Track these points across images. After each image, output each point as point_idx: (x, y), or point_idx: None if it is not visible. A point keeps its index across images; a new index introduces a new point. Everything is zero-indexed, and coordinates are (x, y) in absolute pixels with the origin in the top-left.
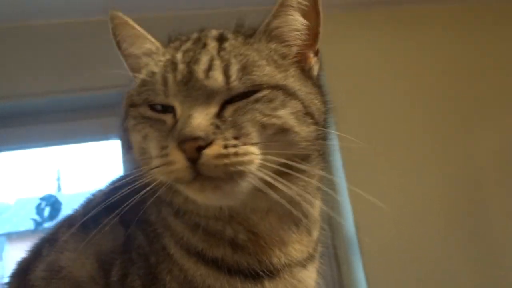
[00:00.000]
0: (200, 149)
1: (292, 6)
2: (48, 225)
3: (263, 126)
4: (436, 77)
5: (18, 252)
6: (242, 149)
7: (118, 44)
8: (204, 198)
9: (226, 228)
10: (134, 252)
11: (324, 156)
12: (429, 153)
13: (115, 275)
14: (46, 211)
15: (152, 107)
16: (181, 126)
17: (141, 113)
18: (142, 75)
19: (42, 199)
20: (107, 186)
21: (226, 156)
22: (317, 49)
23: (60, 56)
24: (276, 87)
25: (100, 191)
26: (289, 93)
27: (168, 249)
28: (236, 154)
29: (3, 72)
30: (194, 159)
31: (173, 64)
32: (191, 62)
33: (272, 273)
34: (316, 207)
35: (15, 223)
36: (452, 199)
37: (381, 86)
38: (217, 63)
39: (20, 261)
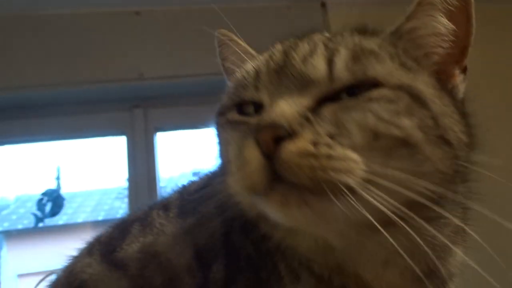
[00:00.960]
0: (279, 140)
1: (433, 5)
2: (48, 221)
3: (376, 135)
4: None
5: (16, 250)
6: (338, 151)
7: (222, 63)
8: (285, 215)
9: (334, 278)
10: (244, 261)
11: (464, 202)
12: None
13: (216, 272)
14: (48, 207)
15: (240, 110)
16: (260, 117)
17: (228, 119)
18: (236, 76)
19: (44, 194)
20: (203, 177)
21: (315, 156)
22: (465, 66)
23: (65, 48)
24: (400, 87)
25: (195, 182)
26: (418, 100)
27: (280, 269)
28: (329, 156)
29: (7, 62)
30: (270, 154)
31: (269, 56)
32: (288, 50)
33: None
34: (454, 259)
35: (14, 221)
36: None
37: None
38: (320, 49)
39: (97, 238)
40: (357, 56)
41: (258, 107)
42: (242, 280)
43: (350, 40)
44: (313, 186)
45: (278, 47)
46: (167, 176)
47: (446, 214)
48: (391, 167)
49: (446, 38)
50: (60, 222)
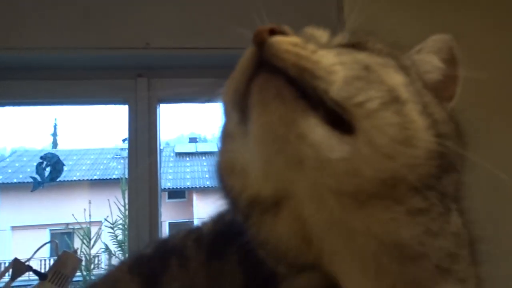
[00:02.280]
0: (273, 33)
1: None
2: (47, 184)
3: (367, 69)
4: None
5: (10, 203)
6: (325, 56)
7: None
8: (261, 105)
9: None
10: None
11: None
12: None
13: None
14: (47, 171)
15: None
16: None
17: None
18: None
19: (43, 158)
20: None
21: (303, 48)
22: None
23: (72, 12)
24: (388, 55)
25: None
26: (403, 69)
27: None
28: (316, 61)
29: (13, 22)
30: (262, 42)
31: None
32: None
33: None
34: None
35: (9, 174)
36: None
37: None
38: None
39: (139, 262)
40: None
41: None
42: None
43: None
44: (295, 73)
45: None
46: (163, 140)
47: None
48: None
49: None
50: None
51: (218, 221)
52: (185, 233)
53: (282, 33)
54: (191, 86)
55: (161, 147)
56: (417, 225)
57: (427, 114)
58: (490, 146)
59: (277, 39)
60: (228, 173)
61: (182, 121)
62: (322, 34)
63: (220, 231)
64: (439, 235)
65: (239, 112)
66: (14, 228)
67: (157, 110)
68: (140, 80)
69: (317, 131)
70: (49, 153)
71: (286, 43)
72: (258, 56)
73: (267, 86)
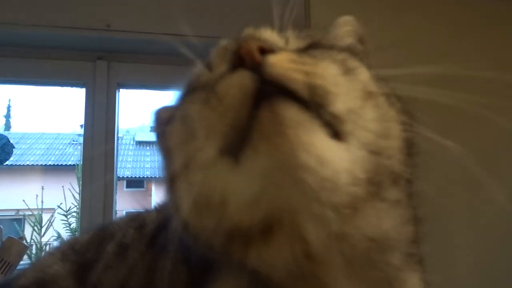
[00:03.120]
0: (264, 52)
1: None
2: None
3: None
4: None
5: None
6: (328, 68)
7: None
8: (278, 136)
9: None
10: None
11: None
12: None
13: None
14: None
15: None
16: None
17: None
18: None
19: None
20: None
21: (303, 63)
22: None
23: None
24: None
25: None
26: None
27: None
28: (321, 73)
29: None
30: (257, 65)
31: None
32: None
33: None
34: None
35: None
36: None
37: None
38: None
39: (72, 243)
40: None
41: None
42: None
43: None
44: (308, 92)
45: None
46: (124, 127)
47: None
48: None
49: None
50: (7, 162)
51: (163, 211)
52: (127, 220)
53: (271, 49)
54: (152, 72)
55: (121, 135)
56: (397, 216)
57: (391, 103)
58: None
59: (278, 58)
60: (200, 209)
61: (144, 109)
62: (274, 37)
63: (164, 224)
64: (409, 221)
65: (227, 143)
66: None
67: (117, 95)
68: (99, 63)
69: (331, 148)
70: None
71: (287, 61)
72: (257, 81)
73: (282, 113)
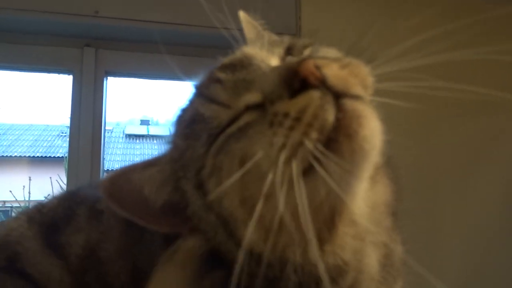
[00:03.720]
0: (317, 67)
1: None
2: None
3: None
4: None
5: None
6: (361, 64)
7: None
8: (360, 124)
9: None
10: None
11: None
12: None
13: None
14: None
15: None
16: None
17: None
18: None
19: None
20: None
21: (347, 65)
22: None
23: None
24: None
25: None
26: None
27: None
28: (362, 72)
29: None
30: (322, 81)
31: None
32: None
33: None
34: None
35: None
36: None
37: None
38: None
39: (39, 207)
40: None
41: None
42: None
43: None
44: (364, 90)
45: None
46: (114, 120)
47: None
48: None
49: None
50: None
51: None
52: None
53: (321, 64)
54: (141, 60)
55: (111, 128)
56: (387, 188)
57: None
58: None
59: (333, 70)
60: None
61: (134, 103)
62: (262, 53)
63: None
64: (392, 193)
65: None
66: None
67: (104, 83)
68: (87, 50)
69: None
70: None
71: (337, 69)
72: (329, 96)
73: (357, 109)
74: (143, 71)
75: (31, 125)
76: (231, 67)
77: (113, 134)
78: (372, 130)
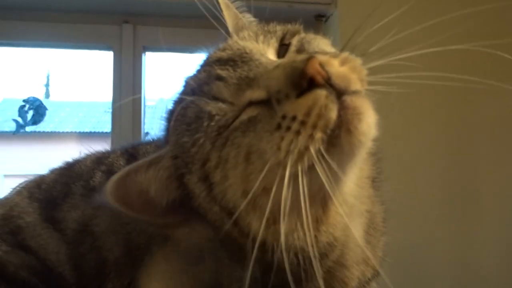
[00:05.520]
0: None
1: None
2: (29, 129)
3: None
4: None
5: (2, 152)
6: (355, 58)
7: None
8: (362, 117)
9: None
10: None
11: None
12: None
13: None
14: (30, 114)
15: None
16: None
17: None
18: None
19: (26, 101)
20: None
21: (346, 60)
22: None
23: None
24: None
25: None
26: None
27: None
28: (359, 67)
29: None
30: (328, 78)
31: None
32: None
33: None
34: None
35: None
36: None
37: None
38: None
39: (39, 181)
40: None
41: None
42: None
43: None
44: (361, 86)
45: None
46: (156, 97)
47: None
48: None
49: None
50: (48, 130)
51: (130, 157)
52: (94, 162)
53: (325, 62)
54: (179, 35)
55: (154, 103)
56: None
57: None
58: None
59: (335, 67)
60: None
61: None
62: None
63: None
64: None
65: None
66: (6, 176)
67: (143, 58)
68: (125, 26)
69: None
70: (31, 97)
71: (338, 65)
72: (333, 94)
73: (357, 104)
74: (181, 45)
75: (80, 102)
76: (231, 62)
77: (157, 110)
78: (370, 124)
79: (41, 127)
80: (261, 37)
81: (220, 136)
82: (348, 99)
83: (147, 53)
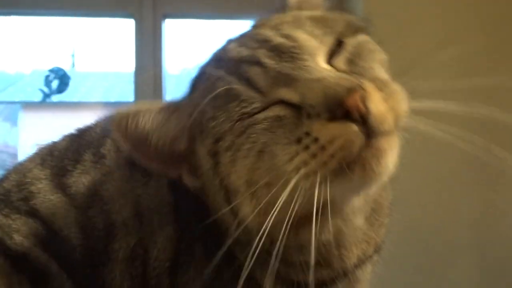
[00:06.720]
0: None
1: None
2: (55, 98)
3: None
4: None
5: (31, 120)
6: (392, 87)
7: None
8: (384, 161)
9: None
10: (195, 262)
11: None
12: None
13: (162, 249)
14: (54, 84)
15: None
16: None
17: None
18: None
19: (51, 71)
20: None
21: (388, 97)
22: None
23: None
24: None
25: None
26: None
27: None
28: (393, 92)
29: None
30: (365, 116)
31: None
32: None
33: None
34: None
35: (29, 93)
36: None
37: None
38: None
39: (51, 149)
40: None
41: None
42: (194, 272)
43: None
44: (395, 126)
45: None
46: (180, 68)
47: None
48: None
49: None
50: (75, 100)
51: None
52: (104, 130)
53: (367, 96)
54: (199, 1)
55: (178, 72)
56: None
57: None
58: None
59: (376, 106)
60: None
61: (200, 48)
62: (312, 41)
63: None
64: None
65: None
66: (38, 145)
67: (162, 26)
68: None
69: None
70: (55, 67)
71: (380, 102)
72: (364, 132)
73: (382, 147)
74: (201, 12)
75: (105, 73)
76: (278, 52)
77: (180, 80)
78: (388, 164)
79: (67, 97)
80: (318, 31)
81: (240, 122)
82: (376, 140)
83: (170, 20)
